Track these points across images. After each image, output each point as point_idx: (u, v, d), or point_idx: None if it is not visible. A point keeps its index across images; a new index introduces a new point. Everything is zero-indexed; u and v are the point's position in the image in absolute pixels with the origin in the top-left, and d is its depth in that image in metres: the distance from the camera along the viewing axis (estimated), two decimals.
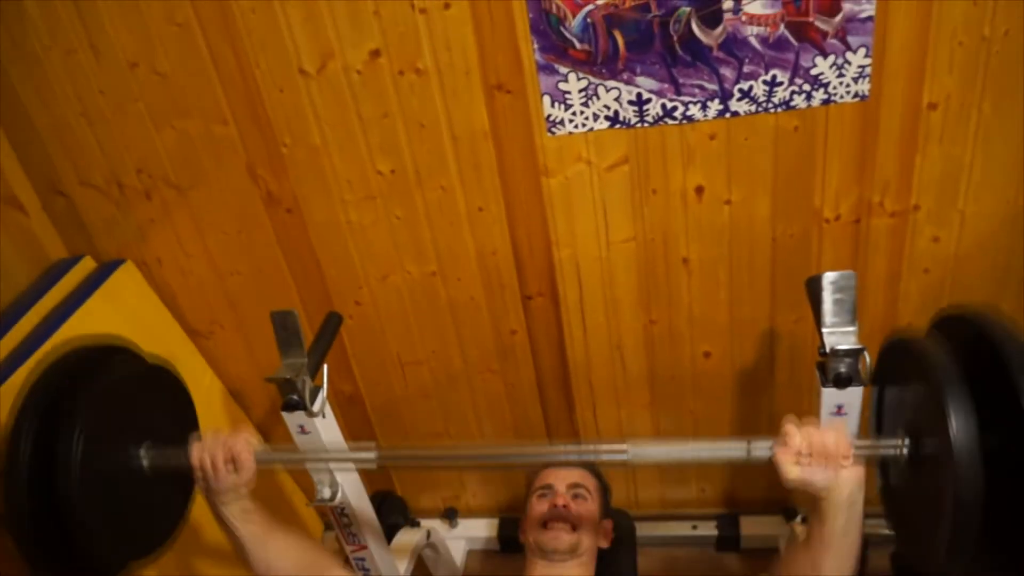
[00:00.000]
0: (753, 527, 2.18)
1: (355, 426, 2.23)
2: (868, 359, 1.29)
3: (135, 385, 1.32)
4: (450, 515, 2.33)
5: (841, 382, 1.30)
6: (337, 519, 1.65)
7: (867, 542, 1.65)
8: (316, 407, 1.49)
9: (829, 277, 1.28)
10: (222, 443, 1.22)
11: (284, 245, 1.92)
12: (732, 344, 1.93)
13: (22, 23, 1.69)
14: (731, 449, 1.14)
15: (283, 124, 1.74)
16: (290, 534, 1.33)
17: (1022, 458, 0.93)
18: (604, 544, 1.64)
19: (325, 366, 1.55)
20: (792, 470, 1.08)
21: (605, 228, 1.79)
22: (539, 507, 1.59)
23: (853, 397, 1.32)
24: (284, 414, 1.50)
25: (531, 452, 1.37)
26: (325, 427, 1.53)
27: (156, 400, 1.36)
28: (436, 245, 1.86)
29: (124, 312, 1.92)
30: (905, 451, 1.10)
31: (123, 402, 1.27)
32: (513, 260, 1.86)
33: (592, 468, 1.72)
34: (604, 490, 1.72)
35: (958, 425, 0.93)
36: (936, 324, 1.15)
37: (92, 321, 1.83)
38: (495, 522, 2.31)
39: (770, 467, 2.16)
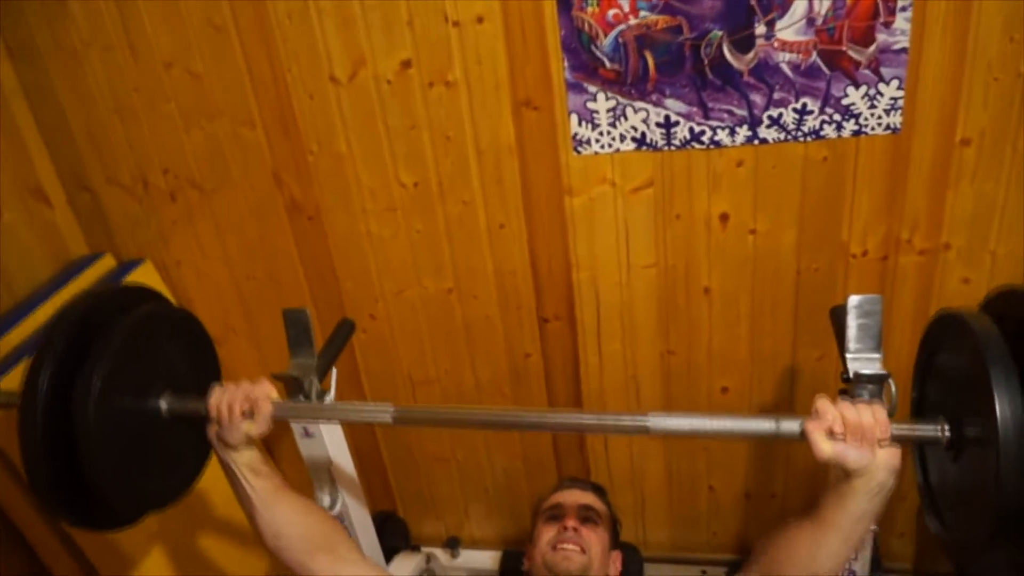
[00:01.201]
0: None
1: (362, 445, 2.19)
2: (893, 388, 1.23)
3: (159, 329, 1.28)
4: (452, 544, 2.27)
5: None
6: None
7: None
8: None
9: (854, 300, 1.24)
10: (243, 390, 1.20)
11: (303, 253, 1.92)
12: (751, 380, 1.88)
13: (64, 19, 1.73)
14: (759, 424, 1.08)
15: (311, 131, 1.75)
16: (301, 499, 1.29)
17: None
18: (612, 574, 1.58)
19: (334, 370, 1.52)
20: (825, 446, 1.02)
21: (627, 252, 1.77)
22: (548, 531, 1.54)
23: None
24: None
25: (549, 418, 1.29)
26: (330, 433, 1.49)
27: (180, 348, 1.32)
28: (454, 261, 1.85)
29: None
30: (946, 434, 1.03)
31: (146, 345, 1.23)
32: (532, 280, 1.84)
33: (603, 496, 1.67)
34: (614, 521, 1.66)
35: (1003, 405, 0.88)
36: (987, 304, 1.09)
37: None
38: (498, 555, 2.23)
39: (782, 511, 2.09)
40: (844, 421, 1.03)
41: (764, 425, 1.08)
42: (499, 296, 1.88)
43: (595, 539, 1.53)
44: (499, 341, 1.94)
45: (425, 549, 2.13)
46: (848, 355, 1.26)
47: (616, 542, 1.64)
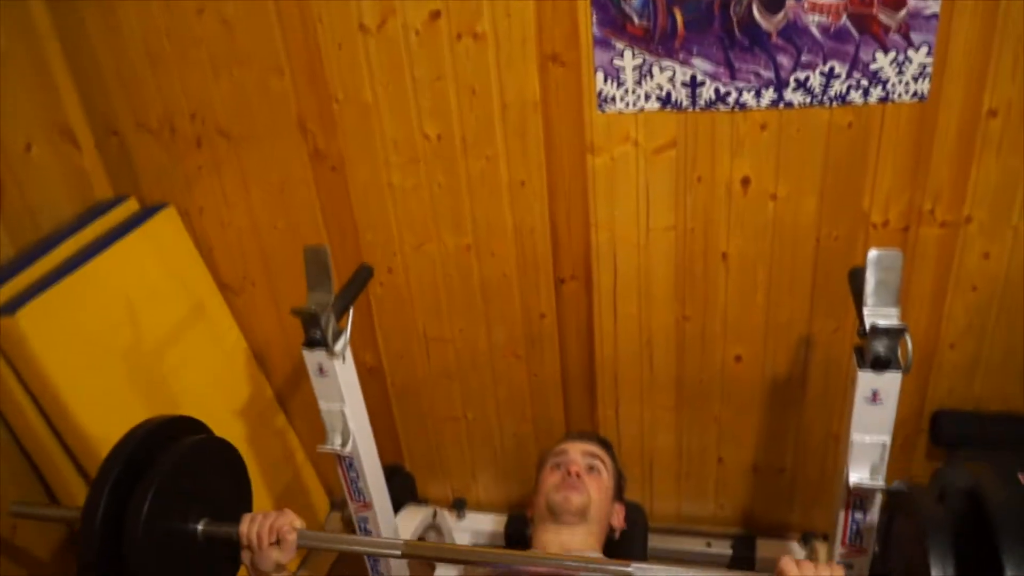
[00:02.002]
0: (769, 550, 2.09)
1: (373, 401, 2.20)
2: (909, 343, 1.24)
3: (202, 458, 1.40)
4: (459, 506, 2.28)
5: (879, 364, 1.25)
6: (345, 472, 1.61)
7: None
8: (338, 348, 1.48)
9: (874, 255, 1.24)
10: (270, 521, 1.30)
11: (324, 204, 1.93)
12: (765, 350, 1.88)
13: None
14: None
15: (337, 80, 1.76)
16: None
17: None
18: (615, 524, 1.59)
19: (351, 311, 1.54)
20: None
21: (646, 213, 1.77)
22: (552, 476, 1.56)
23: (890, 384, 1.27)
24: (305, 352, 1.48)
25: (523, 557, 1.38)
26: (344, 371, 1.51)
27: (218, 474, 1.43)
28: (474, 217, 1.86)
29: (160, 255, 1.95)
30: None
31: (190, 473, 1.34)
32: (550, 239, 1.85)
33: (608, 449, 1.68)
34: (619, 475, 1.67)
35: None
36: (940, 471, 1.15)
37: (128, 258, 1.86)
38: (503, 518, 2.25)
39: (790, 489, 2.09)
40: None
41: None
42: (517, 254, 1.88)
43: (597, 486, 1.55)
44: (515, 300, 1.95)
45: (432, 506, 2.14)
46: (865, 309, 1.27)
47: (620, 495, 1.64)
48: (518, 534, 2.14)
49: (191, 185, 1.99)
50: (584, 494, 1.52)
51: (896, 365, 1.24)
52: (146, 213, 1.96)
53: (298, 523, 1.31)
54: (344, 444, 1.55)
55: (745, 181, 1.69)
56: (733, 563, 2.11)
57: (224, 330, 2.10)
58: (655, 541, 2.18)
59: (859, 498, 1.39)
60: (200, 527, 1.34)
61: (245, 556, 1.31)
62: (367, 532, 1.70)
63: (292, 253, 2.00)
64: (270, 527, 1.28)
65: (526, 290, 1.93)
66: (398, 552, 1.31)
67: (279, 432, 2.25)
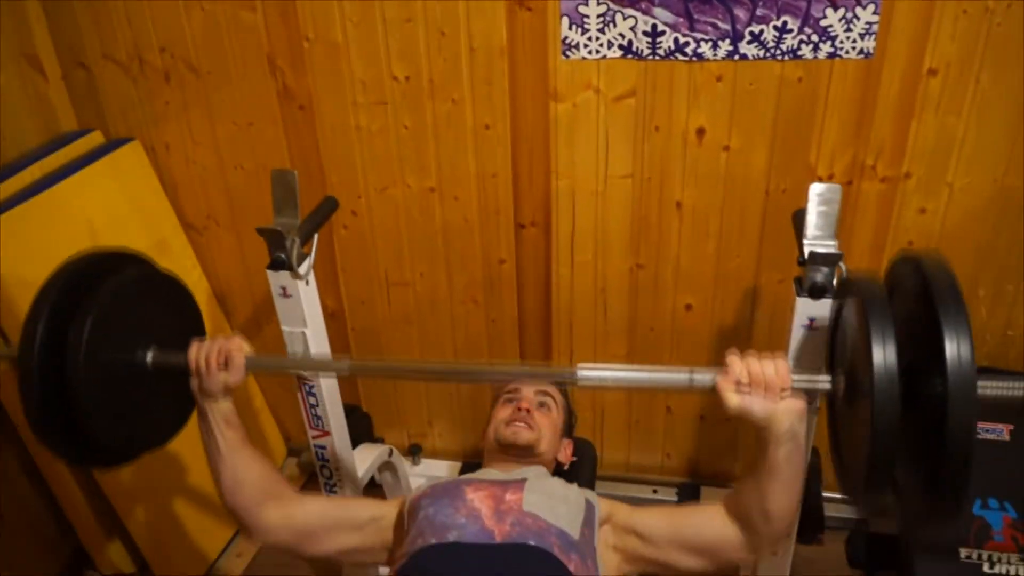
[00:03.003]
0: (713, 498, 2.18)
1: (334, 347, 2.23)
2: (844, 269, 1.32)
3: (145, 289, 1.38)
4: (414, 451, 2.33)
5: (816, 291, 1.32)
6: (304, 398, 1.65)
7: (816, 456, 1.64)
8: (301, 270, 1.51)
9: (816, 188, 1.32)
10: (218, 344, 1.29)
11: (292, 144, 1.96)
12: (715, 299, 1.96)
13: None
14: (676, 376, 1.16)
15: (308, 17, 1.79)
16: (258, 451, 1.37)
17: (941, 395, 0.94)
18: (563, 459, 1.64)
19: (315, 237, 1.57)
20: (732, 398, 1.12)
21: (605, 161, 1.83)
22: (503, 411, 1.58)
23: (826, 311, 1.35)
24: (269, 273, 1.51)
25: (482, 369, 1.40)
26: (307, 294, 1.54)
27: (165, 308, 1.41)
28: (439, 160, 1.90)
29: (123, 188, 1.96)
30: (841, 386, 1.12)
31: (133, 303, 1.32)
32: (511, 185, 1.90)
33: (561, 387, 1.72)
34: (569, 411, 1.72)
35: (878, 358, 0.96)
36: (892, 266, 1.19)
37: (91, 188, 1.87)
38: (458, 465, 2.29)
39: (734, 438, 2.17)
40: (749, 375, 1.11)
41: (680, 377, 1.16)
42: (479, 199, 1.93)
43: (547, 423, 1.58)
44: (475, 245, 2.00)
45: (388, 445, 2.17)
46: (806, 240, 1.35)
47: (569, 432, 1.69)
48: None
49: (158, 121, 2.00)
50: (533, 431, 1.54)
51: (832, 292, 1.32)
52: (111, 145, 1.97)
53: (247, 347, 1.30)
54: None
55: (700, 132, 1.76)
56: None
57: (187, 268, 2.11)
58: (603, 487, 2.24)
59: None
60: (148, 357, 1.32)
61: (194, 383, 1.30)
62: (325, 460, 1.74)
63: (257, 193, 2.03)
64: (219, 350, 1.28)
65: (487, 235, 1.98)
66: (345, 370, 1.33)
67: None
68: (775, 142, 1.75)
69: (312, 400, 1.66)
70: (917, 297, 1.02)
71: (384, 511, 1.39)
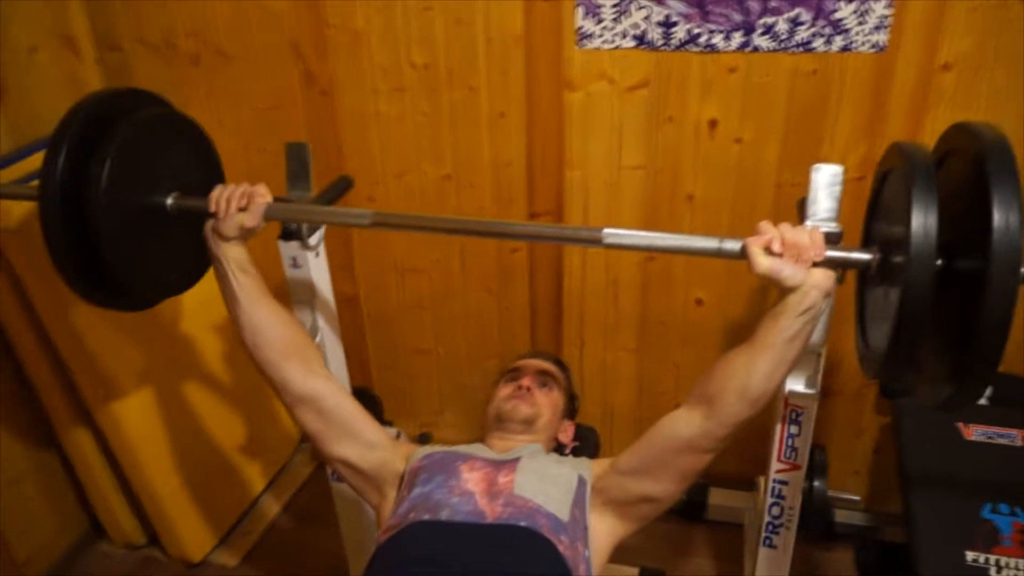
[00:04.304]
0: (721, 498, 2.16)
1: (349, 331, 2.28)
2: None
3: (167, 131, 1.38)
4: (423, 440, 2.34)
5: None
6: None
7: None
8: (312, 242, 1.55)
9: (818, 168, 1.32)
10: (243, 187, 1.32)
11: (313, 128, 2.01)
12: (727, 294, 1.96)
13: None
14: (703, 242, 1.18)
15: (332, 4, 1.85)
16: (284, 309, 1.38)
17: (982, 268, 0.93)
18: (564, 440, 1.64)
19: None
20: (763, 260, 1.11)
21: (618, 152, 1.85)
22: (505, 388, 1.59)
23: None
24: (280, 243, 1.55)
25: (506, 228, 1.39)
26: (317, 266, 1.58)
27: (187, 154, 1.42)
28: (455, 148, 1.94)
29: None
30: (876, 260, 1.10)
31: (154, 144, 1.33)
32: (525, 174, 1.93)
33: (563, 369, 1.73)
34: (572, 394, 1.72)
35: (918, 223, 0.95)
36: (942, 137, 1.16)
37: None
38: None
39: (744, 439, 2.16)
40: (783, 239, 1.11)
41: (708, 243, 1.17)
42: (493, 187, 1.96)
43: (547, 401, 1.57)
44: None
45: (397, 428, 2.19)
46: (807, 221, 1.35)
47: (571, 414, 1.69)
48: None
49: (187, 105, 2.03)
50: (533, 406, 1.54)
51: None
52: None
53: (269, 196, 1.33)
54: (313, 337, 1.61)
55: (713, 123, 1.77)
56: (685, 507, 2.18)
57: None
58: None
59: (794, 410, 1.47)
60: (170, 200, 1.34)
61: (209, 226, 1.32)
62: None
63: (277, 175, 2.05)
64: (242, 192, 1.31)
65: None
66: (367, 220, 1.31)
67: None
68: (787, 135, 1.75)
69: None
70: (967, 167, 1.00)
71: (391, 457, 1.41)
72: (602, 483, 1.35)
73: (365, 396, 2.14)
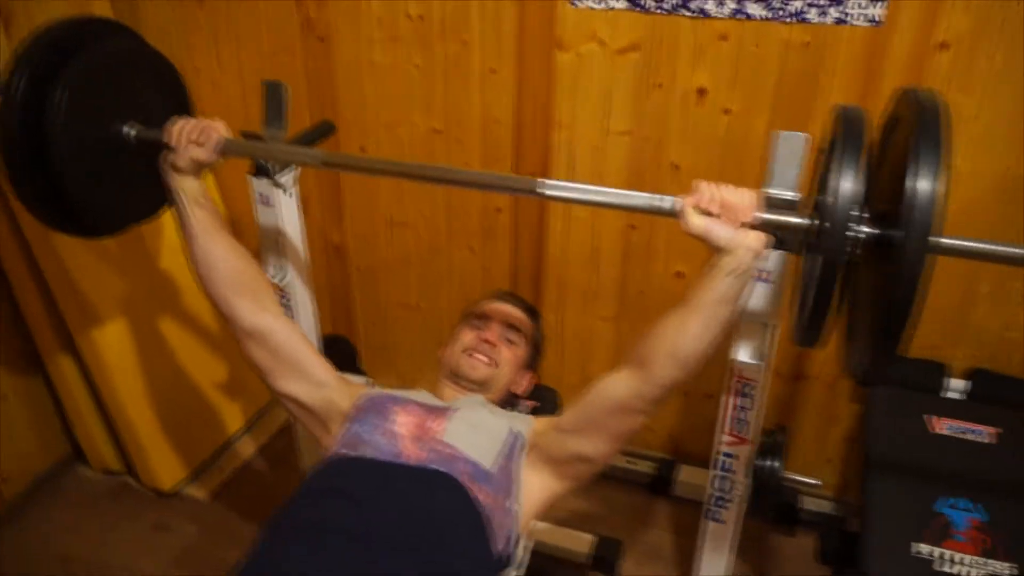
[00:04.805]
0: (690, 475, 2.14)
1: (337, 283, 2.31)
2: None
3: (133, 62, 1.40)
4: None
5: (777, 242, 1.29)
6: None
7: None
8: (282, 180, 1.57)
9: (778, 134, 1.29)
10: (199, 122, 1.34)
11: (310, 75, 2.02)
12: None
13: None
14: (641, 198, 1.17)
15: None
16: (239, 246, 1.40)
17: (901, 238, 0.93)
18: (517, 391, 1.62)
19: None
20: (694, 219, 1.10)
21: (606, 116, 1.83)
22: (467, 335, 1.57)
23: (778, 262, 1.32)
24: (250, 179, 1.57)
25: (446, 173, 1.39)
26: (286, 204, 1.59)
27: (154, 87, 1.43)
28: (445, 102, 1.94)
29: None
30: (812, 226, 1.09)
31: (118, 73, 1.35)
32: (513, 132, 1.92)
33: (534, 317, 1.68)
34: (537, 344, 1.67)
35: (832, 192, 0.94)
36: (894, 103, 1.13)
37: None
38: None
39: (715, 418, 2.13)
40: (717, 199, 1.09)
41: (645, 200, 1.16)
42: (481, 144, 1.96)
43: (509, 356, 1.56)
44: (474, 192, 2.02)
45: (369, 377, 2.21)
46: (768, 188, 1.32)
47: (533, 364, 1.66)
48: None
49: (191, 47, 2.10)
50: (491, 366, 1.52)
51: (786, 244, 1.29)
52: None
53: (225, 131, 1.35)
54: (280, 278, 1.64)
55: (701, 91, 1.74)
56: (652, 482, 2.17)
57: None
58: None
59: (742, 382, 1.45)
60: (132, 131, 1.36)
61: (164, 158, 1.34)
62: None
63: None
64: (197, 126, 1.33)
65: None
66: (318, 160, 1.33)
67: None
68: (777, 108, 1.72)
69: (288, 313, 1.71)
70: (906, 135, 0.99)
71: (338, 396, 1.42)
72: (542, 440, 1.35)
73: (340, 344, 2.17)
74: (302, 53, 2.01)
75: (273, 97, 1.56)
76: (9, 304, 1.99)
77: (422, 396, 1.45)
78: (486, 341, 1.55)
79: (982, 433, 1.72)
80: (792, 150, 1.30)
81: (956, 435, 1.73)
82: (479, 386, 1.51)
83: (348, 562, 1.12)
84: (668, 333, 1.18)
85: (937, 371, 1.85)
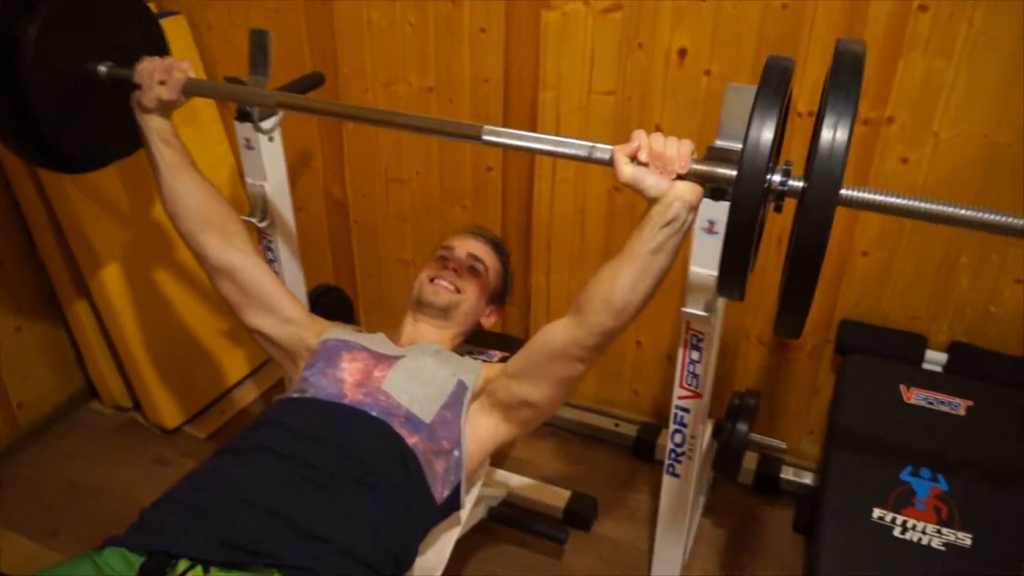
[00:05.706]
0: None
1: (338, 235, 2.39)
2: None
3: (110, 6, 1.46)
4: None
5: (716, 192, 1.30)
6: (263, 250, 1.78)
7: None
8: (265, 126, 1.64)
9: (732, 86, 1.30)
10: (166, 62, 1.40)
11: (312, 32, 2.09)
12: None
13: None
14: (577, 147, 1.19)
15: None
16: (207, 183, 1.46)
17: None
18: (485, 324, 1.65)
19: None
20: (626, 168, 1.12)
21: (590, 76, 1.85)
22: (432, 267, 1.61)
23: (725, 213, 1.33)
24: (236, 124, 1.65)
25: (397, 118, 1.44)
26: (269, 150, 1.67)
27: (130, 30, 1.50)
28: (437, 61, 1.99)
29: None
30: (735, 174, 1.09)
31: (96, 15, 1.42)
32: (502, 91, 1.96)
33: (501, 254, 1.71)
34: (505, 280, 1.71)
35: (750, 142, 0.96)
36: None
37: None
38: None
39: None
40: (649, 148, 1.11)
41: (580, 149, 1.18)
42: (472, 102, 2.00)
43: (473, 286, 1.59)
44: (466, 149, 2.07)
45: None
46: (717, 140, 1.33)
47: (500, 298, 1.69)
48: None
49: (205, 6, 2.19)
50: (454, 293, 1.56)
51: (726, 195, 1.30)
52: (158, 15, 2.16)
53: (191, 72, 1.40)
54: (262, 220, 1.71)
55: (682, 52, 1.75)
56: (635, 445, 2.19)
57: (213, 142, 2.29)
58: (568, 414, 2.28)
59: (694, 335, 1.47)
60: (103, 69, 1.41)
61: (134, 96, 1.40)
62: None
63: (278, 77, 2.17)
64: (164, 66, 1.37)
65: None
66: (272, 101, 1.39)
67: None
68: (757, 71, 1.68)
69: (270, 255, 1.79)
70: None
71: (306, 333, 1.48)
72: (492, 385, 1.39)
73: (334, 294, 2.24)
74: (305, 10, 2.07)
75: (257, 45, 1.63)
76: (28, 244, 2.12)
77: (376, 342, 1.50)
78: (451, 269, 1.59)
79: (956, 405, 1.71)
80: (742, 102, 1.31)
81: (928, 406, 1.72)
82: (443, 313, 1.55)
83: (275, 475, 1.20)
84: (604, 282, 1.20)
85: (918, 342, 1.83)
